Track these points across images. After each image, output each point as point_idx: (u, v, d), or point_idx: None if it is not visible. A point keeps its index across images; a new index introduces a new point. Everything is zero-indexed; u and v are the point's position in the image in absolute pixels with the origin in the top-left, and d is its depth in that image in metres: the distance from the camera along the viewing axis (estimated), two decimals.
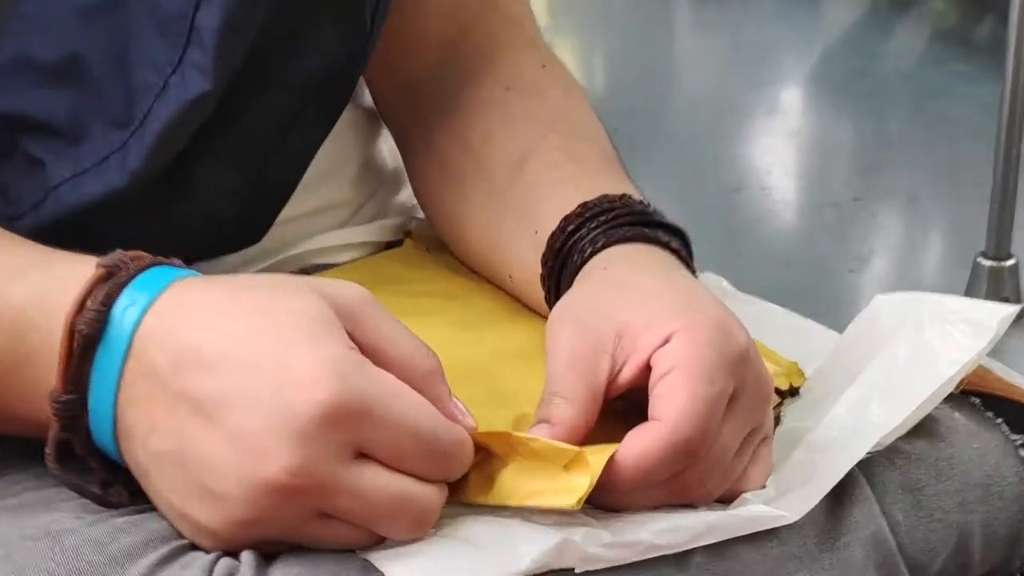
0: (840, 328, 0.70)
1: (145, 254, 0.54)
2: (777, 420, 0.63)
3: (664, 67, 3.58)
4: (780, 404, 0.64)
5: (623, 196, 0.65)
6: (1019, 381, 0.69)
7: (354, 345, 0.51)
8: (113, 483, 0.54)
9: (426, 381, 0.53)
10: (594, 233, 0.63)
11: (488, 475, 0.55)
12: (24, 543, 0.51)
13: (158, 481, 0.52)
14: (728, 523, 0.55)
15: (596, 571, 0.53)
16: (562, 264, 0.64)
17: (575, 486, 0.53)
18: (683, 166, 2.78)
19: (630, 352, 0.56)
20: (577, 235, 0.64)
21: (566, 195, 0.66)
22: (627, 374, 0.56)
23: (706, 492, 0.56)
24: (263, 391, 0.49)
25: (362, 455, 0.50)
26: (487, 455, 0.55)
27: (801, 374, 0.67)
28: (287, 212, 0.72)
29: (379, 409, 0.50)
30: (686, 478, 0.54)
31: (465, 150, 0.74)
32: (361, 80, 0.81)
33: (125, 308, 0.51)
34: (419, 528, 0.52)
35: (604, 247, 0.62)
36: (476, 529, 0.53)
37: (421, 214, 0.82)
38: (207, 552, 0.52)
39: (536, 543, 0.52)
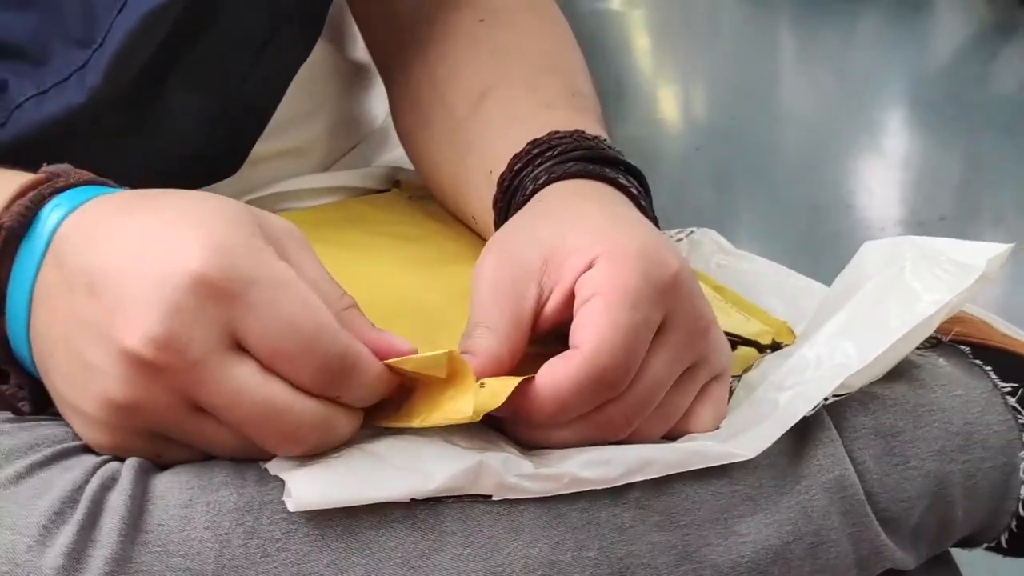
0: None
1: (89, 173, 0.54)
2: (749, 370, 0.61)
3: (763, 90, 3.57)
4: (760, 358, 0.62)
5: (574, 132, 0.63)
6: (1018, 333, 0.66)
7: (261, 240, 0.49)
8: (24, 390, 0.53)
9: (341, 317, 0.50)
10: (538, 170, 0.61)
11: (401, 400, 0.53)
12: None
13: (53, 371, 0.51)
14: (668, 457, 0.53)
15: (523, 503, 0.51)
16: (508, 203, 0.63)
17: (462, 395, 0.50)
18: (773, 184, 2.76)
19: (557, 279, 0.53)
20: (523, 173, 0.62)
21: (519, 132, 0.64)
22: (554, 302, 0.53)
23: (637, 431, 0.53)
24: (144, 261, 0.47)
25: (239, 348, 0.48)
26: (412, 382, 0.53)
27: (791, 332, 0.65)
28: (258, 149, 0.71)
29: (258, 292, 0.47)
30: (610, 413, 0.52)
31: (432, 84, 0.73)
32: (352, 27, 0.80)
33: (52, 209, 0.51)
34: (292, 445, 0.49)
35: (547, 183, 0.60)
36: (392, 447, 0.51)
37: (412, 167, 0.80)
38: (93, 456, 0.51)
39: (448, 463, 0.50)
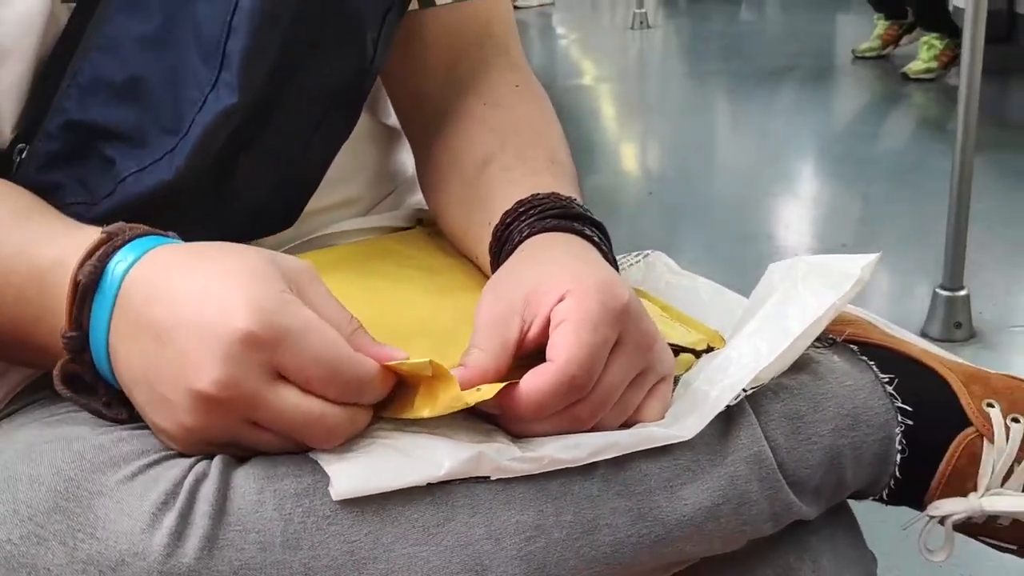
0: None
1: (141, 225, 0.54)
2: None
3: (704, 145, 3.57)
4: (697, 361, 0.61)
5: (551, 194, 0.63)
6: (898, 333, 0.67)
7: (288, 291, 0.50)
8: (114, 403, 0.53)
9: (351, 338, 0.51)
10: (522, 224, 0.62)
11: (405, 397, 0.53)
12: (42, 444, 0.51)
13: (137, 396, 0.51)
14: (625, 440, 0.53)
15: (513, 480, 0.52)
16: (500, 250, 0.63)
17: (450, 391, 0.51)
18: (711, 220, 2.76)
19: (536, 312, 0.54)
20: (511, 227, 0.62)
21: (511, 193, 0.64)
22: (535, 329, 0.54)
23: (600, 423, 0.54)
24: (201, 319, 0.48)
25: (282, 378, 0.49)
26: (413, 381, 0.53)
27: (722, 339, 0.64)
28: (313, 204, 0.71)
29: (291, 339, 0.49)
30: (578, 411, 0.53)
31: (448, 153, 0.73)
32: (386, 99, 0.79)
33: (116, 263, 0.51)
34: (329, 440, 0.51)
35: (530, 235, 0.61)
36: (408, 441, 0.52)
37: None
38: (188, 458, 0.51)
39: (455, 454, 0.51)
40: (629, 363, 0.54)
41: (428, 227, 0.78)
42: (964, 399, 0.62)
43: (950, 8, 3.93)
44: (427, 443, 0.52)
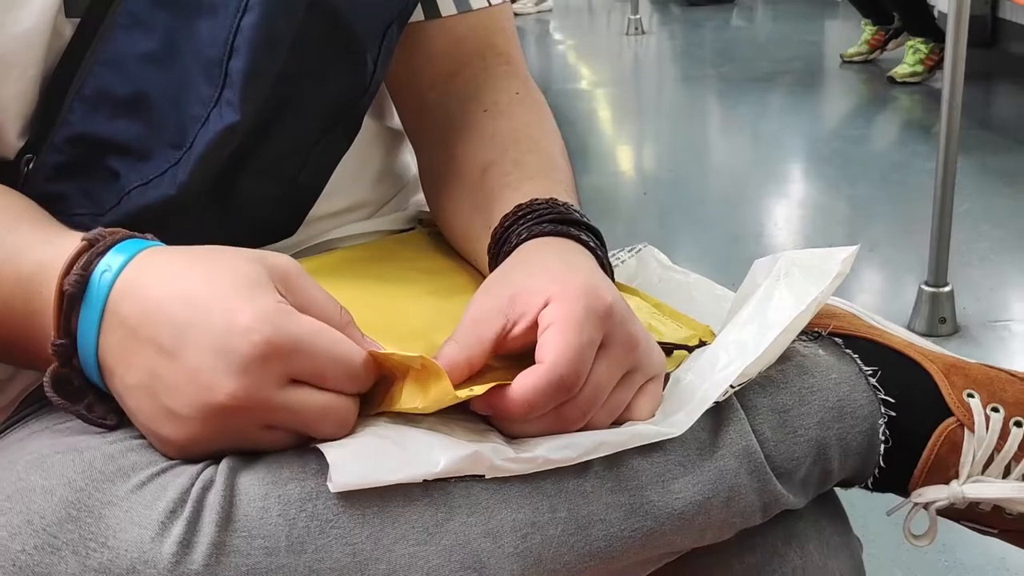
0: None
1: (121, 229, 0.53)
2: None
3: (697, 147, 3.57)
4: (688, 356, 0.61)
5: (549, 199, 0.63)
6: (882, 325, 0.66)
7: (283, 299, 0.50)
8: (103, 409, 0.53)
9: (342, 329, 0.52)
10: (520, 228, 0.61)
11: (389, 390, 0.53)
12: (54, 455, 0.50)
13: (133, 406, 0.51)
14: (615, 439, 0.53)
15: (509, 479, 0.51)
16: (498, 252, 0.63)
17: (439, 385, 0.50)
18: (702, 219, 2.76)
19: (522, 312, 0.54)
20: (509, 230, 0.62)
21: (510, 198, 0.64)
22: (519, 329, 0.54)
23: (589, 422, 0.54)
24: (212, 336, 0.48)
25: (293, 380, 0.49)
26: (395, 376, 0.53)
27: (712, 333, 0.64)
28: (318, 210, 0.70)
29: (305, 346, 0.49)
30: (567, 410, 0.52)
31: (450, 159, 0.72)
32: (388, 101, 0.79)
33: (102, 272, 0.51)
34: (342, 429, 0.51)
35: (527, 239, 0.60)
36: (406, 437, 0.51)
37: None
38: (195, 465, 0.50)
39: (451, 452, 0.50)
40: (615, 363, 0.53)
41: (428, 227, 0.78)
42: (945, 389, 0.62)
43: (935, 13, 3.94)
44: (425, 440, 0.51)
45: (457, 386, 0.51)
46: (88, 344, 0.51)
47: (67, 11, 0.61)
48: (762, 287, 0.61)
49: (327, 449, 0.50)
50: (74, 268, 0.51)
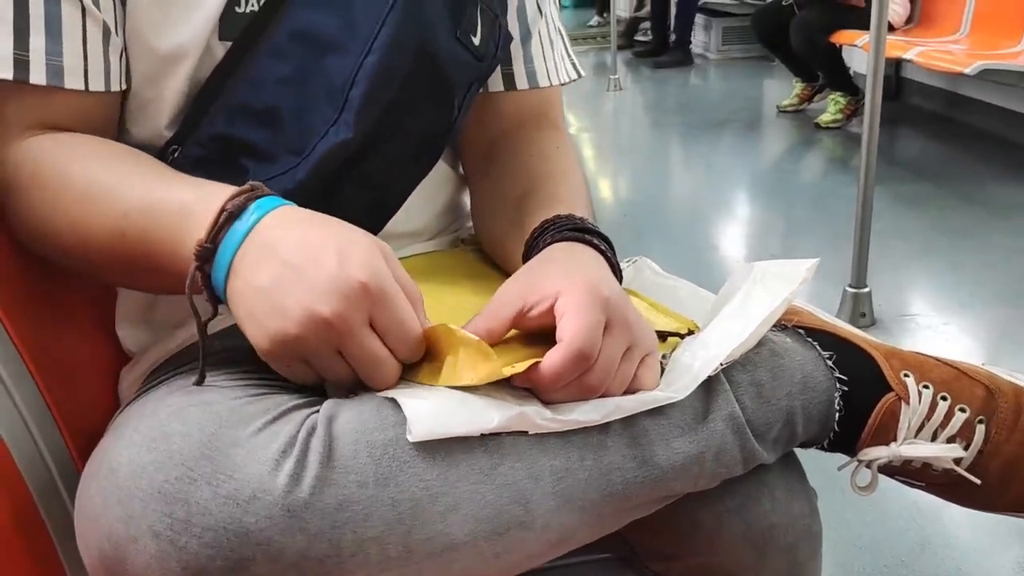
0: None
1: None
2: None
3: (665, 179, 3.56)
4: (680, 342, 0.61)
5: (569, 215, 0.63)
6: (831, 320, 0.67)
7: (384, 262, 0.50)
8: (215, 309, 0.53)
9: (413, 304, 0.52)
10: (545, 236, 0.62)
11: (434, 365, 0.53)
12: (189, 407, 0.51)
13: (248, 306, 0.50)
14: (629, 404, 0.53)
15: (547, 435, 0.52)
16: (528, 256, 0.63)
17: (486, 366, 0.51)
18: (669, 237, 2.74)
19: (538, 299, 0.54)
20: (538, 239, 0.62)
21: (540, 216, 0.65)
22: (536, 312, 0.54)
23: (606, 391, 0.53)
24: (332, 265, 0.48)
25: (369, 325, 0.49)
26: (438, 353, 0.53)
27: (697, 327, 0.64)
28: (390, 228, 0.70)
29: (388, 301, 0.49)
30: (588, 379, 0.52)
31: (499, 189, 0.72)
32: (458, 153, 0.79)
33: (258, 203, 0.52)
34: (383, 383, 0.51)
35: (550, 243, 0.61)
36: (467, 398, 0.52)
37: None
38: (301, 413, 0.51)
39: (502, 411, 0.51)
40: (619, 339, 0.53)
41: (470, 246, 0.78)
42: (886, 370, 0.62)
43: (851, 72, 3.93)
44: (482, 402, 0.52)
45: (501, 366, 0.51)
46: (227, 252, 0.51)
47: (220, 35, 0.61)
48: (742, 289, 0.61)
49: (405, 406, 0.50)
50: (237, 197, 0.51)
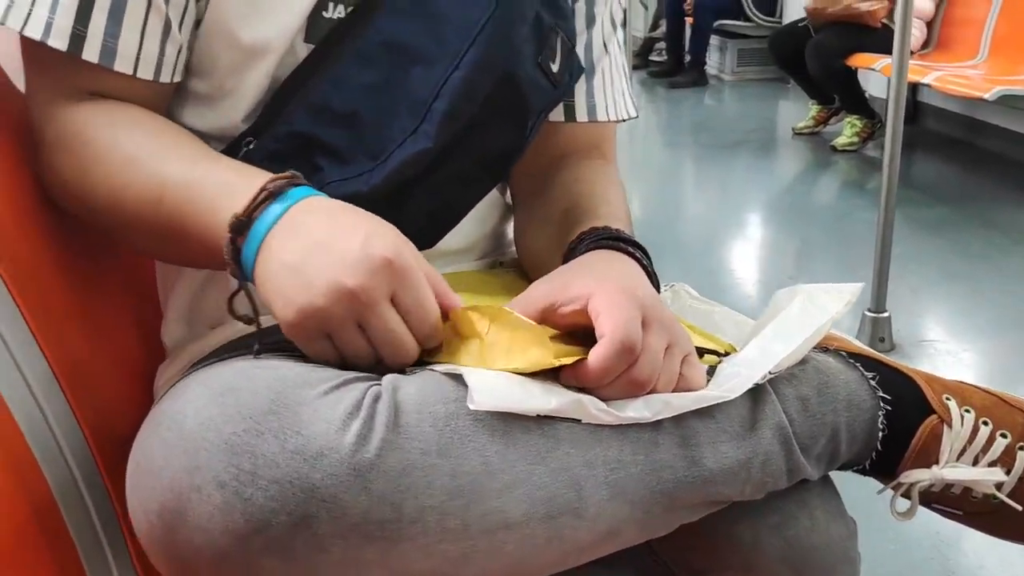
0: None
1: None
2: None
3: (678, 199, 3.57)
4: (720, 360, 0.61)
5: (605, 226, 0.64)
6: (867, 349, 0.66)
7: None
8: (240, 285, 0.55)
9: (436, 287, 0.53)
10: (583, 245, 0.63)
11: (469, 346, 0.54)
12: (254, 370, 0.52)
13: (275, 278, 0.52)
14: (678, 401, 0.54)
15: (601, 426, 0.52)
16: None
17: (538, 352, 0.52)
18: (684, 257, 2.75)
19: (570, 298, 0.55)
20: (577, 248, 0.63)
21: (579, 229, 0.66)
22: (567, 310, 0.55)
23: (654, 388, 0.54)
24: (359, 242, 0.50)
25: (391, 302, 0.51)
26: (468, 336, 0.54)
27: (735, 349, 0.64)
28: (443, 244, 0.70)
29: (410, 280, 0.51)
30: (635, 374, 0.53)
31: (544, 208, 0.74)
32: (507, 184, 0.80)
33: (297, 187, 0.54)
34: (402, 361, 0.53)
35: (586, 251, 0.62)
36: (528, 379, 0.52)
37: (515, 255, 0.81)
38: (362, 384, 0.51)
39: (561, 396, 0.52)
40: (659, 334, 0.54)
41: (508, 267, 0.79)
42: (928, 394, 0.62)
43: (867, 96, 3.94)
44: (542, 384, 0.52)
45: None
46: (261, 228, 0.53)
47: (306, 37, 0.63)
48: (785, 309, 0.62)
49: (468, 378, 0.51)
50: (278, 180, 0.53)
